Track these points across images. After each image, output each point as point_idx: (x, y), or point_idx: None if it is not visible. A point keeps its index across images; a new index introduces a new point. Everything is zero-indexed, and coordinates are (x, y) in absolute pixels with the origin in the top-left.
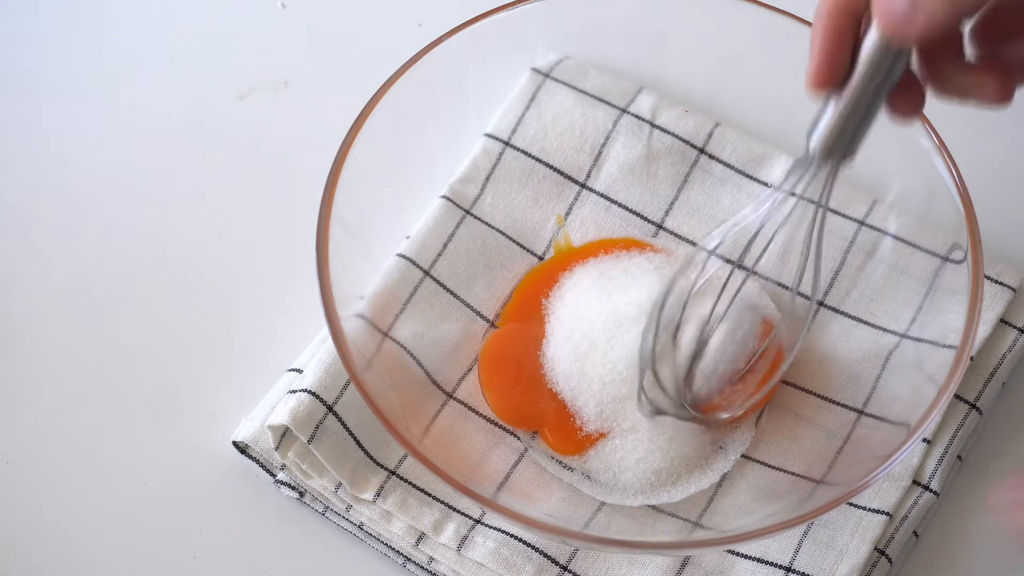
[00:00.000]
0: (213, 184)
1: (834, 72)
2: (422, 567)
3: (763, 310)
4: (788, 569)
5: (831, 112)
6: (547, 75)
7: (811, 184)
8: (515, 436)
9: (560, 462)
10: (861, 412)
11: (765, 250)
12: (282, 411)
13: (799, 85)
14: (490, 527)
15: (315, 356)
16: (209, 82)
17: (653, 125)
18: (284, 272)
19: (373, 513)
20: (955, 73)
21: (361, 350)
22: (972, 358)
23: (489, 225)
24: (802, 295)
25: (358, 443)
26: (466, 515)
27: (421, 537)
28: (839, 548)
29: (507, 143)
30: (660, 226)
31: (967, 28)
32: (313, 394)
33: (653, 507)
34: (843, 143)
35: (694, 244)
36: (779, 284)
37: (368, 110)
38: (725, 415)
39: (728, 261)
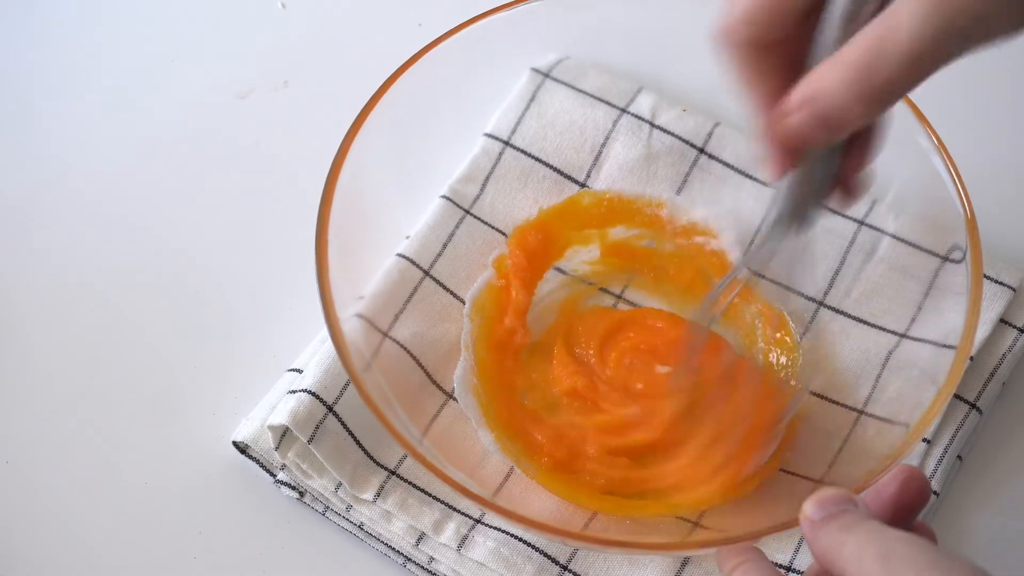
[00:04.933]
0: (213, 184)
1: (783, 167)
2: (422, 567)
3: None
4: (788, 568)
5: (783, 192)
6: (547, 75)
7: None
8: None
9: None
10: (861, 412)
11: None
12: (282, 411)
13: None
14: (490, 527)
15: (315, 356)
16: (209, 82)
17: (653, 125)
18: (284, 272)
19: (373, 513)
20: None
21: (361, 350)
22: (972, 358)
23: (489, 225)
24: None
25: (358, 443)
26: (466, 515)
27: (421, 537)
28: None
29: (507, 143)
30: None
31: None
32: (313, 394)
33: None
34: (797, 218)
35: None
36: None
37: (367, 110)
38: None
39: None
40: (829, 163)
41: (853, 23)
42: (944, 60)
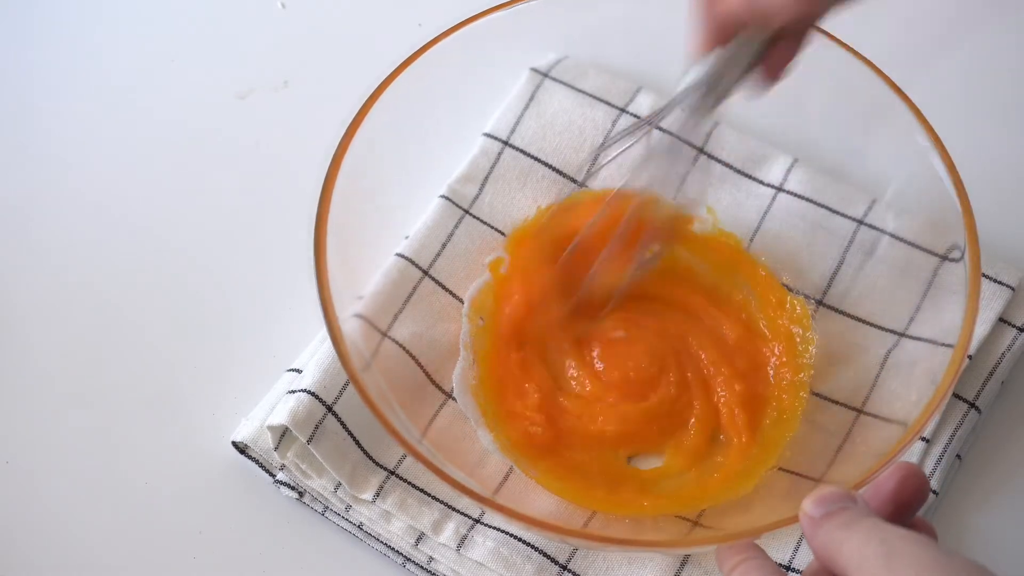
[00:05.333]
0: (213, 184)
1: (711, 44)
2: (422, 567)
3: None
4: (788, 567)
5: (705, 68)
6: (546, 75)
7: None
8: None
9: None
10: (860, 411)
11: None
12: (281, 411)
13: (797, 85)
14: (490, 527)
15: (314, 356)
16: (209, 82)
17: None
18: (284, 272)
19: (372, 513)
20: None
21: (360, 350)
22: (971, 357)
23: (488, 224)
24: None
25: (357, 443)
26: (466, 515)
27: (420, 537)
28: None
29: (506, 143)
30: None
31: None
32: (312, 394)
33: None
34: (713, 90)
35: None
36: None
37: (366, 110)
38: None
39: None
40: (755, 49)
41: None
42: None
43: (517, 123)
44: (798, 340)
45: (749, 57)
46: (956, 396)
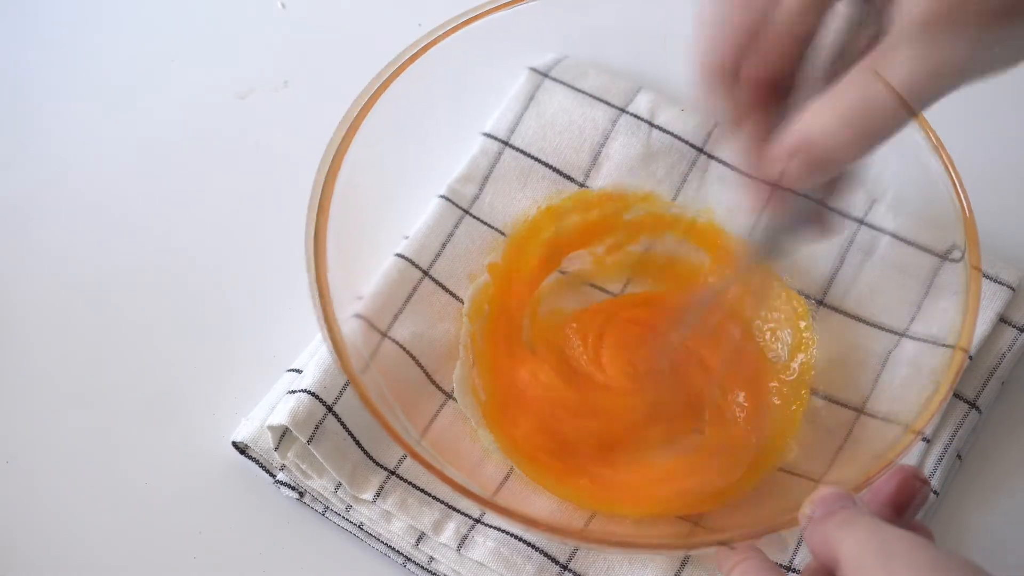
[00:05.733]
0: (212, 184)
1: (767, 203)
2: (422, 567)
3: None
4: (788, 568)
5: (763, 222)
6: (545, 75)
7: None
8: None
9: None
10: (860, 411)
11: None
12: (281, 411)
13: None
14: (490, 527)
15: (314, 356)
16: (209, 82)
17: (652, 124)
18: (284, 272)
19: (373, 513)
20: None
21: (359, 351)
22: (971, 356)
23: (488, 225)
24: None
25: (358, 443)
26: (466, 515)
27: (421, 537)
28: None
29: (506, 143)
30: None
31: None
32: (312, 394)
33: None
34: (773, 249)
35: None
36: None
37: (366, 110)
38: None
39: None
40: (809, 206)
41: (843, 59)
42: (940, 95)
43: (517, 123)
44: (799, 340)
45: (806, 206)
46: (956, 396)
